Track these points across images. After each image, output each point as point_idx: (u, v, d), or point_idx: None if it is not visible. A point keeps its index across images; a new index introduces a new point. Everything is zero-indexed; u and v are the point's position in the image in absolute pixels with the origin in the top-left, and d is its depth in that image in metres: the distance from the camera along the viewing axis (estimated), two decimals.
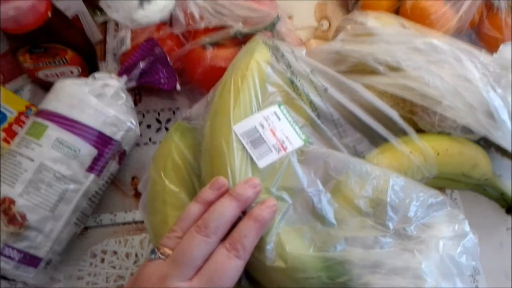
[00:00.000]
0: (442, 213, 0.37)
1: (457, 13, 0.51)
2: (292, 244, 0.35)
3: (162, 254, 0.31)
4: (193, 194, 0.40)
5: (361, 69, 0.46)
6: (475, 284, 0.45)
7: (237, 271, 0.31)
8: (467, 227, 0.36)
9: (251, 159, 0.37)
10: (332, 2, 0.61)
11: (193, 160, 0.42)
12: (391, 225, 0.35)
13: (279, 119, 0.40)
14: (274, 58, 0.41)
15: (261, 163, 0.37)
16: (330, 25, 0.59)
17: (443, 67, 0.41)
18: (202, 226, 0.31)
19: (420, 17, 0.50)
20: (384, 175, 0.37)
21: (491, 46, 0.54)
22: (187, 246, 0.30)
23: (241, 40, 0.49)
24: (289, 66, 0.41)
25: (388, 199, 0.36)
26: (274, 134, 0.39)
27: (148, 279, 0.30)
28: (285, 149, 0.38)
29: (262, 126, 0.39)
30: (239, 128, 0.38)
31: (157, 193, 0.40)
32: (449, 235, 0.36)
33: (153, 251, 0.32)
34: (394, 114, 0.41)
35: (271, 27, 0.48)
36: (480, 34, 0.54)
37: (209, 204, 0.33)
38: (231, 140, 0.37)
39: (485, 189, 0.47)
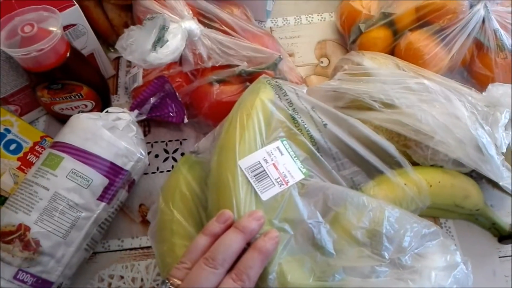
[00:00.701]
0: (435, 243, 0.39)
1: (449, 53, 0.54)
2: (293, 273, 0.37)
3: (172, 284, 0.33)
4: (199, 224, 0.43)
5: (358, 105, 0.49)
6: None
7: None
8: (458, 258, 0.38)
9: (255, 192, 0.39)
10: (332, 41, 0.64)
11: (200, 192, 0.44)
12: (386, 255, 0.37)
13: (281, 153, 0.42)
14: (277, 96, 0.44)
15: (264, 196, 0.39)
16: (329, 62, 0.63)
17: (434, 105, 0.44)
18: (210, 258, 0.33)
19: (414, 57, 0.54)
20: (380, 207, 0.39)
21: (482, 83, 0.57)
22: (196, 277, 0.32)
23: (245, 77, 0.52)
24: (291, 103, 0.44)
25: (384, 230, 0.38)
26: (276, 168, 0.41)
27: None
28: (287, 183, 0.41)
29: (266, 161, 0.41)
30: (244, 162, 0.40)
31: (165, 223, 0.42)
32: (441, 266, 0.37)
33: (163, 282, 0.34)
34: (391, 147, 0.43)
35: (274, 66, 0.52)
36: (471, 72, 0.57)
37: (216, 237, 0.35)
38: (237, 174, 0.39)
39: (477, 218, 0.49)
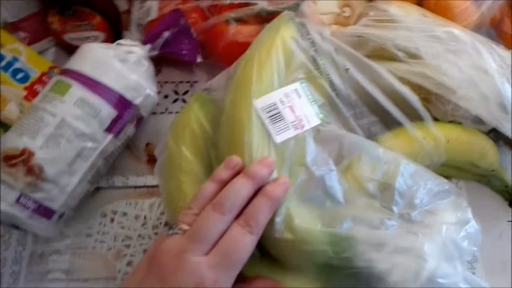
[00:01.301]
0: (447, 201, 0.38)
1: (480, 8, 0.51)
2: (301, 218, 0.36)
3: (179, 229, 0.32)
4: (208, 163, 0.41)
5: (380, 54, 0.47)
6: (473, 271, 0.46)
7: (251, 246, 0.32)
8: (469, 215, 0.37)
9: (269, 133, 0.38)
10: None
11: (211, 130, 0.43)
12: (396, 210, 0.36)
13: (299, 96, 0.40)
14: (299, 35, 0.42)
15: (278, 139, 0.38)
16: (352, 12, 0.60)
17: (461, 57, 0.42)
18: (217, 204, 0.32)
19: (443, 10, 0.51)
20: (395, 160, 0.38)
21: (510, 44, 0.54)
22: (204, 223, 0.32)
23: (265, 17, 0.50)
24: (313, 44, 0.42)
25: (397, 185, 0.36)
26: (293, 111, 0.39)
27: (167, 253, 0.31)
28: (302, 127, 0.39)
29: (282, 102, 0.39)
30: (260, 102, 0.38)
31: (173, 159, 0.41)
32: (452, 221, 0.37)
33: (171, 227, 0.33)
34: (414, 98, 0.41)
35: (295, 8, 0.49)
36: (500, 32, 0.55)
37: (224, 183, 0.34)
38: (251, 113, 0.38)
39: (490, 180, 0.48)
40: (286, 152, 0.38)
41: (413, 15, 0.48)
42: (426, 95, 0.45)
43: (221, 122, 0.41)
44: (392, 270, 0.33)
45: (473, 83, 0.41)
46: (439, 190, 0.38)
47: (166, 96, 0.55)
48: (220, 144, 0.41)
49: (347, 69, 0.42)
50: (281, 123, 0.38)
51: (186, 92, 0.56)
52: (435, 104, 0.44)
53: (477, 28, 0.54)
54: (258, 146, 0.37)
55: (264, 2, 0.49)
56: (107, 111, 0.45)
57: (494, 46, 0.44)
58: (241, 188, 0.33)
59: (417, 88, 0.45)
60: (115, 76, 0.46)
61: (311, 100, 0.40)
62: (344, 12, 0.60)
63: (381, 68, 0.42)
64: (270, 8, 0.49)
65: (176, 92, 0.56)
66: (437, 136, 0.41)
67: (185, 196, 0.39)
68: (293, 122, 0.39)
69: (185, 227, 0.32)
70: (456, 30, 0.43)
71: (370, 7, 0.51)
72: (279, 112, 0.39)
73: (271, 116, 0.38)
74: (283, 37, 0.41)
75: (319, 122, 0.40)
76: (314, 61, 0.42)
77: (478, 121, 0.43)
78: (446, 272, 0.33)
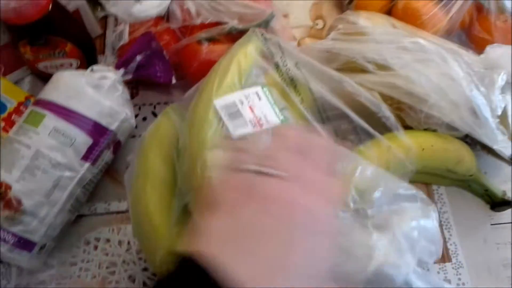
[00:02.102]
0: (414, 205, 0.38)
1: (448, 14, 0.52)
2: None
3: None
4: (173, 168, 0.42)
5: (351, 67, 0.48)
6: (458, 277, 0.46)
7: None
8: (432, 214, 0.38)
9: (227, 128, 0.39)
10: (328, 2, 0.62)
11: (178, 139, 0.44)
12: (352, 204, 0.37)
13: (259, 98, 0.41)
14: (265, 48, 0.43)
15: (236, 133, 0.39)
16: (324, 24, 0.61)
17: (429, 66, 0.42)
18: None
19: (412, 18, 0.52)
20: (356, 159, 0.38)
21: (480, 47, 0.54)
22: None
23: (236, 36, 0.50)
24: (278, 55, 0.43)
25: (354, 182, 0.37)
26: (252, 110, 0.41)
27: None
28: (261, 125, 0.40)
29: (242, 102, 0.41)
30: (220, 102, 0.40)
31: (141, 167, 0.42)
32: (409, 218, 0.37)
33: None
34: (383, 107, 0.41)
35: (265, 24, 0.50)
36: (470, 35, 0.55)
37: None
38: (210, 111, 0.39)
39: (470, 185, 0.48)
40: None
41: (382, 26, 0.49)
42: (398, 105, 0.45)
43: (184, 124, 0.42)
44: (342, 261, 0.33)
45: (442, 91, 0.41)
46: (401, 192, 0.38)
47: (144, 119, 0.55)
48: (180, 141, 0.42)
49: (309, 83, 0.43)
50: (239, 119, 0.40)
51: None
52: (408, 113, 0.45)
53: (448, 33, 0.55)
54: (214, 138, 0.38)
55: (235, 21, 0.50)
56: (83, 139, 0.45)
57: (462, 52, 0.45)
58: None
59: (389, 99, 0.45)
60: (89, 103, 0.46)
61: (272, 102, 0.41)
62: (316, 24, 0.61)
63: (344, 78, 0.42)
64: (241, 26, 0.49)
65: (154, 114, 0.56)
66: (407, 145, 0.42)
67: (149, 199, 0.40)
68: (251, 120, 0.40)
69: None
70: (422, 40, 0.44)
71: (340, 20, 0.52)
72: (238, 110, 0.40)
73: (230, 113, 0.40)
74: (248, 48, 0.43)
75: (279, 122, 0.41)
76: (277, 68, 0.43)
77: (451, 127, 0.44)
78: (395, 263, 0.34)
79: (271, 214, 0.26)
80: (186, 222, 0.37)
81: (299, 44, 0.59)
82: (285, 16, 0.61)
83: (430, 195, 0.50)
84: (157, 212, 0.40)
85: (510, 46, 0.44)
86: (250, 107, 0.40)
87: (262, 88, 0.41)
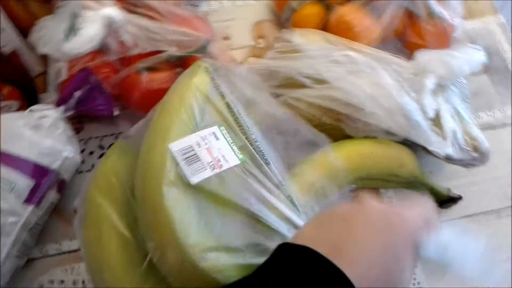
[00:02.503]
0: None
1: (380, 24, 0.54)
2: None
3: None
4: (127, 212, 0.41)
5: (290, 82, 0.49)
6: (413, 277, 0.47)
7: None
8: None
9: (184, 175, 0.38)
10: (268, 22, 0.63)
11: (129, 177, 0.42)
12: None
13: (217, 138, 0.40)
14: (213, 81, 0.42)
15: (194, 180, 0.38)
16: (267, 43, 0.62)
17: (361, 76, 0.44)
18: None
19: (345, 31, 0.53)
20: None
21: (415, 51, 0.57)
22: None
23: (175, 63, 0.51)
24: (227, 88, 0.43)
25: None
26: (210, 152, 0.39)
27: None
28: (220, 167, 0.39)
29: (199, 145, 0.39)
30: (175, 146, 0.38)
31: (91, 210, 0.41)
32: None
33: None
34: (303, 125, 0.42)
35: (203, 49, 0.50)
36: (404, 41, 0.57)
37: None
38: (165, 156, 0.38)
39: (416, 186, 0.49)
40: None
41: (316, 41, 0.50)
42: (338, 116, 0.46)
43: (137, 168, 0.41)
44: None
45: (376, 100, 0.43)
46: None
47: (91, 153, 0.55)
48: (135, 189, 0.41)
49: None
50: (197, 164, 0.38)
51: (111, 145, 0.55)
52: (347, 123, 0.46)
53: (383, 41, 0.56)
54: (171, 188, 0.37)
55: (173, 48, 0.50)
56: (24, 182, 0.44)
57: (393, 60, 0.46)
58: None
59: (328, 111, 0.46)
60: (27, 145, 0.45)
61: (230, 142, 0.41)
62: (259, 43, 0.62)
63: (266, 102, 0.43)
64: (178, 53, 0.50)
65: (101, 147, 0.55)
66: (332, 161, 0.42)
67: (105, 247, 0.39)
68: (210, 162, 0.39)
69: None
70: (352, 52, 0.45)
71: (277, 39, 0.53)
72: (195, 154, 0.39)
73: (186, 158, 0.38)
74: (196, 83, 0.42)
75: (238, 162, 0.40)
76: (227, 105, 0.42)
77: (389, 133, 0.45)
78: None
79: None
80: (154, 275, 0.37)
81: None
82: (226, 38, 0.62)
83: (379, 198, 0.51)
84: (119, 265, 0.39)
85: (437, 51, 0.46)
86: (208, 149, 0.39)
87: (219, 127, 0.41)
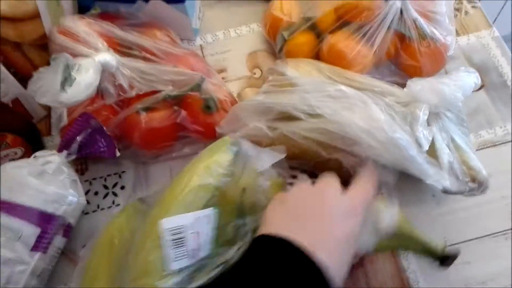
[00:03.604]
0: None
1: (372, 49, 0.54)
2: None
3: None
4: (116, 276, 0.41)
5: (286, 116, 0.49)
6: None
7: None
8: None
9: (167, 257, 0.38)
10: (262, 51, 0.64)
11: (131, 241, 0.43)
12: None
13: (208, 223, 0.40)
14: (232, 162, 0.43)
15: (174, 265, 0.38)
16: (262, 72, 0.62)
17: (354, 111, 0.44)
18: None
19: (337, 59, 0.54)
20: None
21: (410, 73, 0.57)
22: None
23: (172, 102, 0.51)
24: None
25: None
26: (198, 238, 0.39)
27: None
28: (197, 257, 0.39)
29: (191, 227, 0.39)
30: (168, 222, 0.38)
31: (88, 266, 0.42)
32: None
33: None
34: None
35: (197, 87, 0.51)
36: (398, 64, 0.57)
37: None
38: (155, 234, 0.38)
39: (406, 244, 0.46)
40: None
41: (309, 73, 0.50)
42: (334, 149, 0.46)
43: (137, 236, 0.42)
44: None
45: (371, 133, 0.43)
46: None
47: (96, 193, 0.56)
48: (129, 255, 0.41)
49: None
50: (181, 249, 0.38)
51: (115, 185, 0.56)
52: (344, 156, 0.46)
53: (376, 65, 0.57)
54: (155, 268, 0.37)
55: (169, 87, 0.51)
56: (30, 231, 0.45)
57: (387, 90, 0.46)
58: None
59: (325, 144, 0.47)
60: (32, 193, 0.46)
61: (212, 228, 0.41)
62: (254, 73, 0.63)
63: None
64: (175, 92, 0.51)
65: (105, 187, 0.56)
66: None
67: None
68: (193, 249, 0.39)
69: None
70: (344, 87, 0.45)
71: (270, 70, 0.54)
72: (183, 237, 0.39)
73: (174, 240, 0.38)
74: (211, 164, 0.42)
75: (206, 254, 0.40)
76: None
77: (387, 165, 0.45)
78: None
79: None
80: None
81: (239, 96, 0.61)
82: (223, 71, 0.63)
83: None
84: None
85: (429, 79, 0.46)
86: (197, 233, 0.39)
87: (214, 209, 0.41)
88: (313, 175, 0.52)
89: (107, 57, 0.49)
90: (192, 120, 0.52)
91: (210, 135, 0.52)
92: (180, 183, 0.40)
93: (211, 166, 0.41)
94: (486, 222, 0.51)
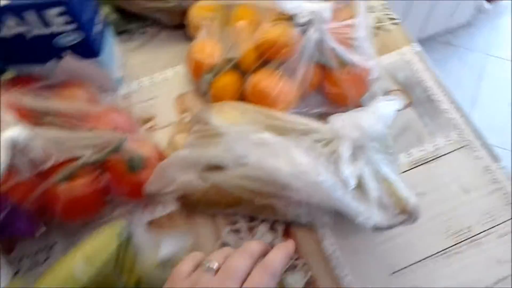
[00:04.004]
0: None
1: (293, 84, 0.53)
2: None
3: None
4: None
5: (215, 166, 0.48)
6: None
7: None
8: None
9: None
10: (190, 93, 0.62)
11: None
12: None
13: None
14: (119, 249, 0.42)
15: None
16: (191, 115, 0.61)
17: (279, 156, 0.43)
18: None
19: (262, 98, 0.53)
20: None
21: (337, 101, 0.57)
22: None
23: (94, 166, 0.49)
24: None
25: None
26: None
27: None
28: None
29: None
30: None
31: None
32: None
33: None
34: None
35: (117, 148, 0.48)
36: (324, 94, 0.57)
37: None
38: None
39: None
40: None
41: (233, 119, 0.49)
42: (267, 196, 0.45)
43: None
44: None
45: (297, 177, 0.42)
46: None
47: (30, 270, 0.52)
48: None
49: None
50: None
51: (47, 259, 0.52)
52: (277, 202, 0.45)
53: (303, 97, 0.56)
54: None
55: (88, 152, 0.48)
56: None
57: (311, 126, 0.46)
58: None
59: (258, 192, 0.46)
60: None
61: None
62: (184, 118, 0.61)
63: None
64: (94, 157, 0.48)
65: (36, 262, 0.52)
66: None
67: None
68: None
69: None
70: (267, 135, 0.45)
71: (195, 119, 0.52)
72: None
73: None
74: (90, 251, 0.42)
75: None
76: None
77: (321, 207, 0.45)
78: None
79: None
80: None
81: (170, 144, 0.58)
82: (151, 119, 0.60)
83: None
84: None
85: (349, 113, 0.46)
86: None
87: None
88: (254, 218, 0.51)
89: (15, 132, 0.45)
90: (118, 182, 0.49)
91: (139, 195, 0.50)
92: (53, 272, 0.40)
93: (89, 255, 0.40)
94: (425, 243, 0.51)
